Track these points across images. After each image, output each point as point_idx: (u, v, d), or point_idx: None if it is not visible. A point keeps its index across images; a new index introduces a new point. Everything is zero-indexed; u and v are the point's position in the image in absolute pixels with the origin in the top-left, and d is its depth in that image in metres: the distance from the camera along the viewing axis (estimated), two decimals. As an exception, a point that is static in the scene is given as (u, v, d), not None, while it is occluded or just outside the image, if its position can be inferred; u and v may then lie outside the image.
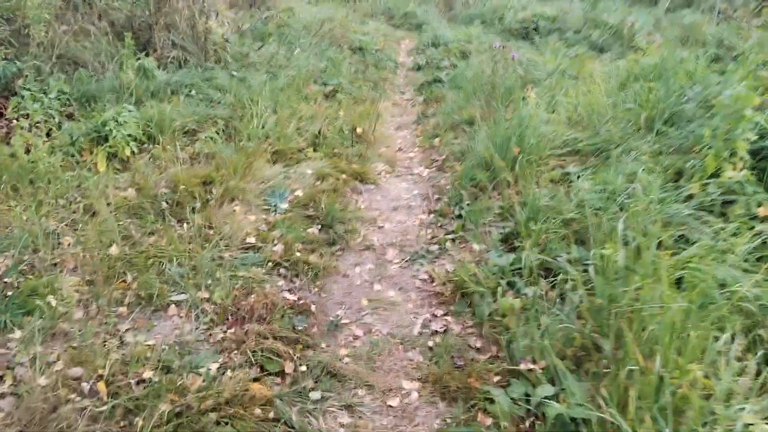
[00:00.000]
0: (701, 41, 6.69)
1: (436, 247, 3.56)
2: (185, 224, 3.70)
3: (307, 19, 9.60)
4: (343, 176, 4.52)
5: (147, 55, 6.86)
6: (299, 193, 4.22)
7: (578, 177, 4.01)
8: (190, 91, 5.84)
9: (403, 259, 3.48)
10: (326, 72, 6.83)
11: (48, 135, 4.56)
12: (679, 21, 7.72)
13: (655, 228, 2.70)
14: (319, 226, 3.81)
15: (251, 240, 3.63)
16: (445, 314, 2.92)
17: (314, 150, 4.96)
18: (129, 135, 4.79)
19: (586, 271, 2.59)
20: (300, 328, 2.77)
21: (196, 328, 2.76)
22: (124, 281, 3.11)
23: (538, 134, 4.25)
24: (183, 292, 2.99)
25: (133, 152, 4.74)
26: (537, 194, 3.58)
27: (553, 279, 2.83)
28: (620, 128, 4.46)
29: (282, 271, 3.27)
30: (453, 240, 3.61)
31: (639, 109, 4.62)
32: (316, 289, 3.16)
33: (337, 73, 6.85)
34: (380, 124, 5.92)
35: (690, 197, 3.16)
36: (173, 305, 2.91)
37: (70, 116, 5.07)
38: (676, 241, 2.81)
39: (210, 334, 2.72)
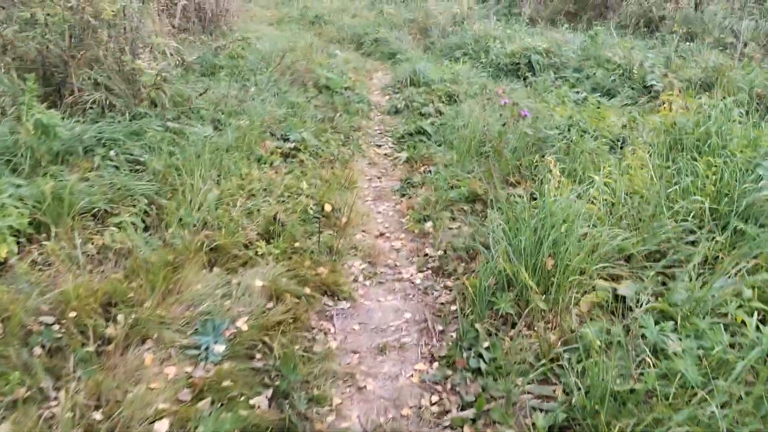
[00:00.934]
0: (730, 88, 5.69)
1: (449, 439, 2.34)
2: (63, 392, 2.41)
3: (265, 49, 8.33)
4: (307, 290, 3.25)
5: (61, 97, 5.51)
6: (243, 324, 2.93)
7: (638, 303, 2.85)
8: (108, 152, 4.50)
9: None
10: (287, 121, 5.57)
11: None
12: (695, 60, 6.74)
13: None
14: (270, 393, 2.54)
15: (162, 428, 2.34)
16: None
17: (268, 242, 3.69)
18: (9, 227, 3.47)
19: None
20: None
21: None
22: None
23: (576, 236, 3.08)
24: None
25: (12, 252, 3.41)
26: (589, 340, 2.40)
27: None
28: (678, 224, 3.33)
29: None
30: (473, 422, 2.38)
31: (699, 195, 3.50)
32: None
33: (299, 123, 5.59)
34: (354, 190, 4.69)
35: None
36: None
37: None
38: None
39: None
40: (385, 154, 5.65)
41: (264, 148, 4.93)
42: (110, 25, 5.87)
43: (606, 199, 3.58)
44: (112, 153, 4.50)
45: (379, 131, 6.29)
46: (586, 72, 7.07)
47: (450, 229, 3.98)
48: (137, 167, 4.47)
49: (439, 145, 5.49)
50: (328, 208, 4.16)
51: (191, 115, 5.55)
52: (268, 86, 6.68)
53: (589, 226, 3.23)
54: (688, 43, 8.25)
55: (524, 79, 7.52)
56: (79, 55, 5.49)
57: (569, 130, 4.98)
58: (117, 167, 4.41)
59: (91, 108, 5.25)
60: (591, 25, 10.49)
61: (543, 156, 4.60)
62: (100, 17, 5.69)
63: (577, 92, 6.66)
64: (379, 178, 5.11)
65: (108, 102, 5.36)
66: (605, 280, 3.08)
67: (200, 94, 5.60)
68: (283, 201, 4.17)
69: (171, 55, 6.89)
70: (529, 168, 4.45)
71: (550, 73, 7.44)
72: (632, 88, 6.47)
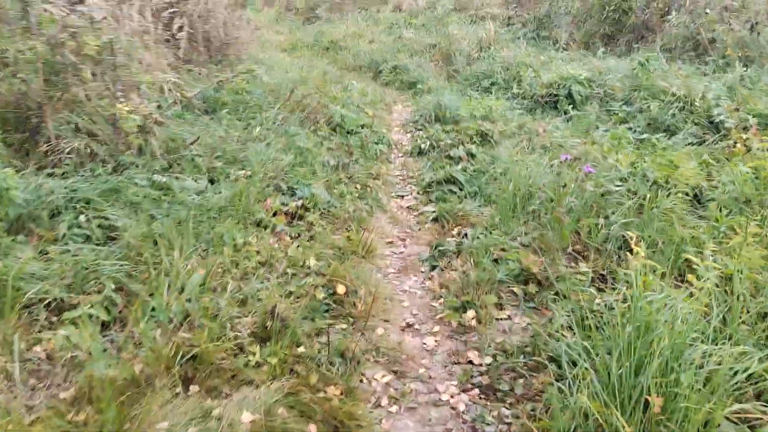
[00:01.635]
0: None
1: None
2: None
3: (274, 82, 7.58)
4: (312, 428, 2.38)
5: (35, 145, 4.79)
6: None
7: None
8: (78, 216, 3.72)
9: None
10: (294, 171, 4.75)
11: None
12: (764, 89, 5.82)
13: None
14: None
15: None
16: None
17: (264, 344, 2.83)
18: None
19: None
20: None
21: None
22: None
23: (689, 358, 2.18)
24: None
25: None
26: None
27: None
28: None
29: None
30: None
31: None
32: None
33: (309, 173, 4.77)
34: (373, 259, 3.83)
35: None
36: None
37: None
38: None
39: None
40: (409, 207, 4.80)
41: (266, 208, 4.10)
42: (95, 62, 5.16)
43: (712, 290, 2.66)
44: (82, 218, 3.71)
45: (401, 177, 5.45)
46: (637, 105, 6.18)
47: (498, 320, 3.10)
48: (113, 234, 3.68)
49: (474, 197, 4.62)
50: (341, 289, 3.31)
51: (184, 165, 4.76)
52: (275, 126, 5.90)
53: (702, 339, 2.32)
54: (744, 69, 7.34)
55: (564, 113, 6.64)
56: (57, 96, 4.77)
57: (634, 180, 4.10)
58: (88, 236, 3.63)
59: (68, 158, 4.50)
60: (631, 49, 9.63)
61: (607, 218, 3.72)
62: (82, 53, 4.99)
63: (630, 128, 5.77)
64: (402, 240, 4.24)
65: (89, 150, 4.61)
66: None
67: (191, 142, 4.80)
68: (286, 282, 3.33)
69: (169, 90, 6.18)
70: (592, 235, 3.56)
71: (594, 105, 6.56)
72: (696, 124, 5.56)
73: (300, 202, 4.22)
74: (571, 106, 6.72)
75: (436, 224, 4.33)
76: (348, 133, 6.04)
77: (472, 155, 5.30)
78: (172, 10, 9.28)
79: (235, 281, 3.23)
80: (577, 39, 10.49)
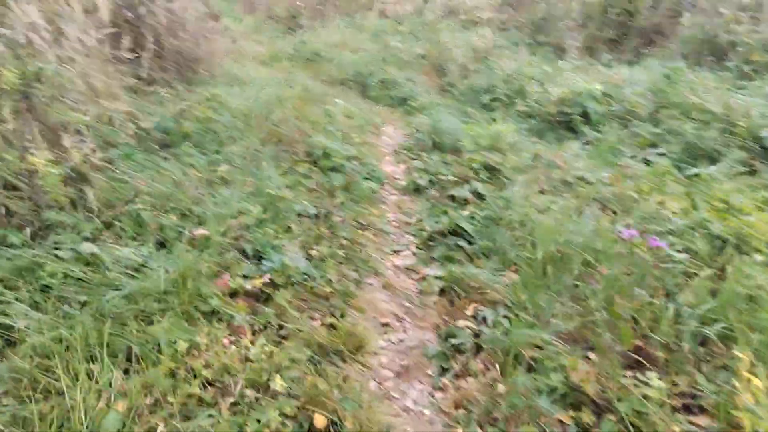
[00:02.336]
0: None
1: None
2: None
3: (247, 104, 6.64)
4: None
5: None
6: None
7: None
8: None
9: None
10: (263, 227, 3.81)
11: None
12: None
13: None
14: None
15: None
16: None
17: None
18: None
19: None
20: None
21: None
22: None
23: None
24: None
25: None
26: None
27: None
28: None
29: None
30: None
31: None
32: None
33: (281, 229, 3.83)
34: (363, 356, 2.91)
35: None
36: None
37: None
38: None
39: None
40: (408, 268, 3.87)
41: (222, 286, 3.16)
42: (18, 96, 4.23)
43: None
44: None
45: (395, 224, 4.52)
46: (666, 125, 5.30)
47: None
48: (11, 337, 2.74)
49: (487, 256, 3.70)
50: (320, 421, 2.38)
51: (126, 223, 3.81)
52: (244, 162, 4.97)
53: None
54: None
55: (580, 134, 5.76)
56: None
57: (692, 237, 3.20)
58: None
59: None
60: (639, 55, 8.78)
61: (668, 295, 2.81)
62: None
63: (661, 154, 4.89)
64: (400, 320, 3.31)
65: (4, 210, 3.66)
66: None
67: (130, 199, 3.86)
68: (243, 414, 2.39)
69: (120, 122, 5.24)
70: (654, 326, 2.65)
71: (614, 126, 5.68)
72: (742, 149, 4.68)
73: (268, 277, 3.28)
74: (587, 125, 5.83)
75: (443, 298, 3.41)
76: (331, 169, 5.10)
77: (480, 196, 4.39)
78: (133, 24, 8.33)
79: (169, 421, 2.29)
80: (579, 45, 9.62)
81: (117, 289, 2.95)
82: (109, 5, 5.91)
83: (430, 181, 5.00)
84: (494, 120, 5.93)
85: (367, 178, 5.16)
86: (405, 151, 6.05)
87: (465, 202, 4.36)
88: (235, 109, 6.31)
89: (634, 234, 2.81)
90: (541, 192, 4.24)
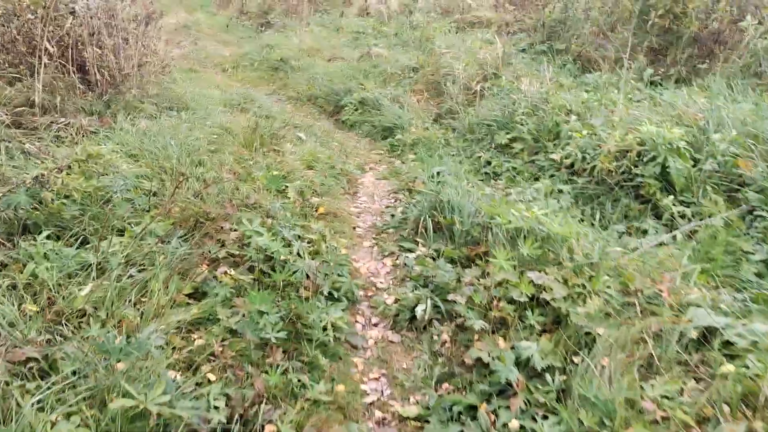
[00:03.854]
0: None
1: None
2: None
3: (163, 154, 4.56)
4: None
5: None
6: None
7: None
8: None
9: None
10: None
11: None
12: None
13: None
14: None
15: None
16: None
17: None
18: None
19: None
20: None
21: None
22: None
23: None
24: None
25: None
26: None
27: None
28: None
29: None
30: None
31: None
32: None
33: None
34: None
35: None
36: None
37: None
38: None
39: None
40: None
41: None
42: None
43: None
44: None
45: (380, 414, 2.49)
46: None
47: None
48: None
49: None
50: None
51: None
52: (126, 278, 2.92)
53: None
54: None
55: (650, 203, 3.78)
56: None
57: None
58: None
59: None
60: (695, 72, 6.82)
61: None
62: None
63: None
64: None
65: None
66: None
67: None
68: None
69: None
70: None
71: (711, 196, 3.71)
72: None
73: None
74: (669, 194, 3.85)
75: None
76: (270, 287, 3.07)
77: (536, 373, 2.37)
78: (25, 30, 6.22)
79: None
80: (609, 55, 7.63)
81: None
82: None
83: (436, 307, 2.99)
84: (534, 198, 3.89)
85: (331, 296, 3.13)
86: (391, 231, 4.01)
87: (507, 386, 2.34)
88: (141, 166, 4.24)
89: None
90: (646, 375, 2.25)
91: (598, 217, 3.81)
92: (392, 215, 4.29)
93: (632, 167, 4.05)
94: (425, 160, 5.04)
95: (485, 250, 3.24)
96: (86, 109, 6.08)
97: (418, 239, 3.73)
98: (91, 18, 6.56)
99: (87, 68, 6.44)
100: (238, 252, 3.40)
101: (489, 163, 4.95)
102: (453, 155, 5.27)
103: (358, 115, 7.11)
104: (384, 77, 8.09)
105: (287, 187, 4.38)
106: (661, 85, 6.77)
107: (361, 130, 6.87)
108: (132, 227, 3.40)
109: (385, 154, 6.02)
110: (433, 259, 3.42)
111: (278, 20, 15.39)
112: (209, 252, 3.40)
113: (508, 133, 5.21)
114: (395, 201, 4.65)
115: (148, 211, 3.69)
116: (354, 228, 4.11)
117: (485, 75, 6.62)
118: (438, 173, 4.62)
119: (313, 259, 3.37)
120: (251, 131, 5.55)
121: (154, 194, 3.89)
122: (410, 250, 3.63)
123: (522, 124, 5.14)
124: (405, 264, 3.48)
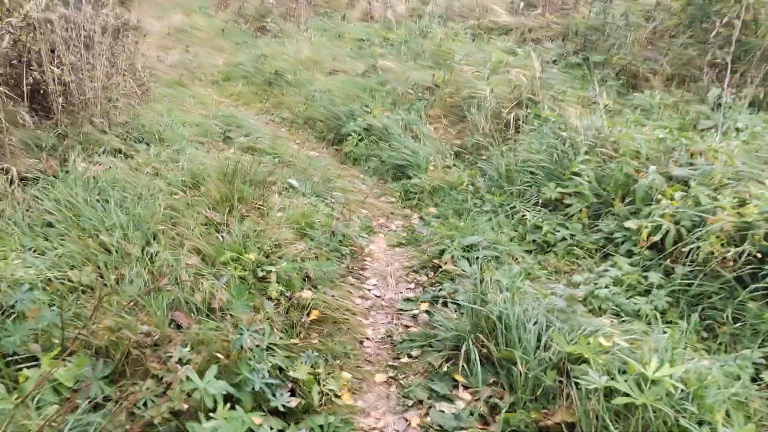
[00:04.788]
0: None
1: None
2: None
3: (103, 228, 3.37)
4: None
5: None
6: None
7: None
8: None
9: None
10: None
11: None
12: None
13: None
14: None
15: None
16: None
17: None
18: None
19: None
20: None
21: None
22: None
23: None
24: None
25: None
26: None
27: None
28: None
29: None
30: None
31: None
32: None
33: None
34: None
35: None
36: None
37: None
38: None
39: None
40: None
41: None
42: None
43: None
44: None
45: None
46: None
47: None
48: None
49: None
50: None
51: None
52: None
53: None
54: None
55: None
56: None
57: None
58: None
59: None
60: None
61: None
62: None
63: None
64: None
65: None
66: None
67: None
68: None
69: None
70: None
71: None
72: None
73: None
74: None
75: None
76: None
77: None
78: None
79: None
80: (666, 69, 6.40)
81: None
82: None
83: None
84: (613, 293, 2.67)
85: None
86: (415, 353, 2.79)
87: None
88: (68, 245, 3.04)
89: None
90: None
91: (714, 333, 2.60)
92: (414, 315, 3.08)
93: (759, 255, 2.83)
94: (451, 222, 3.83)
95: (566, 420, 2.03)
96: (35, 144, 4.92)
97: (456, 375, 2.52)
98: (52, 32, 5.36)
99: (42, 92, 5.30)
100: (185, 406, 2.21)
101: (538, 228, 3.74)
102: (487, 212, 4.06)
103: (363, 147, 5.90)
104: (393, 97, 6.88)
105: (269, 273, 3.17)
106: (730, 108, 5.55)
107: (368, 166, 5.66)
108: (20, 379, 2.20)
109: (398, 203, 4.81)
110: (485, 422, 2.21)
111: (274, 25, 14.17)
112: (141, 407, 2.20)
113: (559, 184, 3.99)
114: (416, 286, 3.44)
115: (59, 337, 2.48)
116: (361, 342, 2.89)
117: (519, 100, 5.39)
118: (472, 245, 3.42)
119: (297, 424, 2.17)
120: (228, 180, 4.35)
121: (77, 299, 2.69)
122: (447, 398, 2.42)
123: (579, 174, 3.92)
124: (441, 428, 2.27)
